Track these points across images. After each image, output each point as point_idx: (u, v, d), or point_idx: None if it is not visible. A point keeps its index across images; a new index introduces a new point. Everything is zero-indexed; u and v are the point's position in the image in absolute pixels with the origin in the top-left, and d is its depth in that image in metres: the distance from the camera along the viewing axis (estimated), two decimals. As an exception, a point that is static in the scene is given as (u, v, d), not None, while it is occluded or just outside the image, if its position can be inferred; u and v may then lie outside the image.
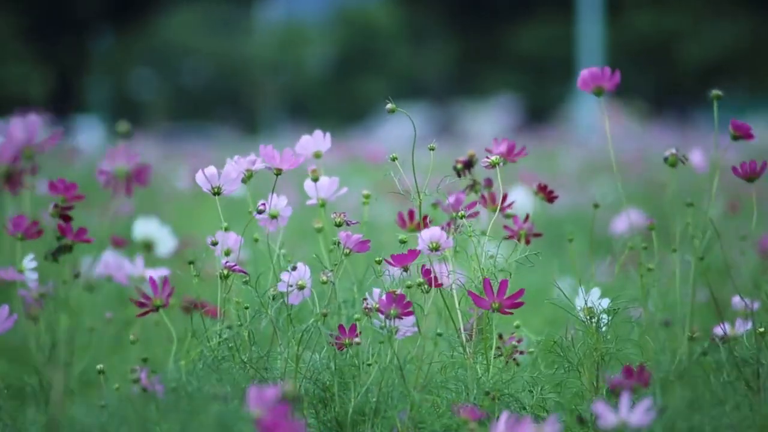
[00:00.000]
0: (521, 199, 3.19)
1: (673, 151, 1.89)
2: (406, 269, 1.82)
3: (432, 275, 1.82)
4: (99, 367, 1.84)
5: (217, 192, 1.86)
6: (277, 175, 1.88)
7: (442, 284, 1.84)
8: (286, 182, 1.93)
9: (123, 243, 2.81)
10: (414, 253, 1.82)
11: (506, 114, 19.19)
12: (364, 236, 1.87)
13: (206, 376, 1.63)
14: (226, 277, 1.80)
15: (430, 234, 1.83)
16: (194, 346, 1.76)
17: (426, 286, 1.81)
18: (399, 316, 1.77)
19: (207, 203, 5.87)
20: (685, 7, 25.98)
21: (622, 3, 25.17)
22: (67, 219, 1.87)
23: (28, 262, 1.92)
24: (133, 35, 27.57)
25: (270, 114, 26.07)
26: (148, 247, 2.75)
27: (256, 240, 1.92)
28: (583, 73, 1.94)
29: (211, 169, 1.85)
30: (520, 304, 1.78)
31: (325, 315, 1.80)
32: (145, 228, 2.77)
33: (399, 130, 14.95)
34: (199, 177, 1.85)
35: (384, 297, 1.78)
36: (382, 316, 1.78)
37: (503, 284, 1.78)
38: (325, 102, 26.96)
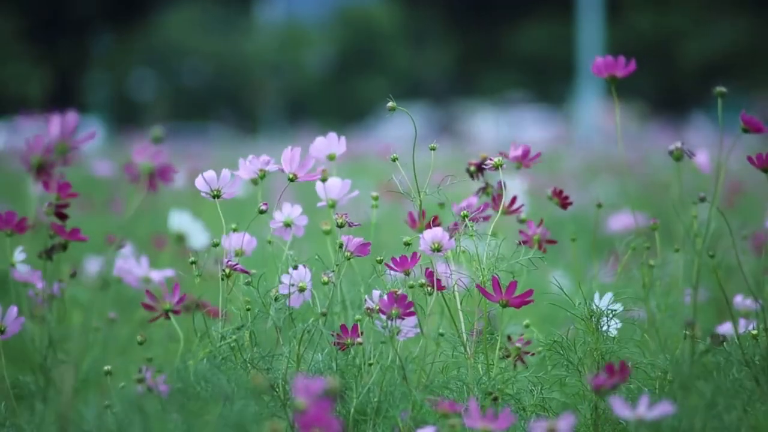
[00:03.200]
0: (516, 189, 3.18)
1: (679, 144, 1.89)
2: (407, 273, 1.81)
3: (435, 277, 1.81)
4: (106, 368, 1.83)
5: (216, 195, 1.86)
6: (291, 180, 1.87)
7: (444, 287, 1.83)
8: (285, 181, 1.92)
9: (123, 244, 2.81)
10: (415, 258, 1.81)
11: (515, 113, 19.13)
12: (366, 236, 1.86)
13: (214, 376, 1.63)
14: (229, 276, 1.79)
15: (432, 235, 1.82)
16: (199, 347, 1.76)
17: (429, 288, 1.80)
18: (400, 317, 1.77)
19: (206, 204, 5.86)
20: (685, 7, 25.98)
21: (622, 3, 25.17)
22: (62, 217, 1.88)
23: (18, 254, 1.92)
24: (132, 35, 27.57)
25: (270, 114, 26.07)
26: (181, 239, 2.76)
27: (270, 242, 1.91)
28: (598, 59, 1.96)
29: (210, 173, 1.85)
30: (529, 302, 1.78)
31: (324, 314, 1.80)
32: (179, 221, 2.79)
33: (399, 130, 14.94)
34: (199, 181, 1.85)
35: (385, 297, 1.77)
36: (383, 317, 1.78)
37: (512, 284, 1.78)
38: (325, 102, 26.96)
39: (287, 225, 1.89)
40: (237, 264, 1.81)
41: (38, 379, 1.80)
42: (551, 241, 2.01)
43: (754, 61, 25.15)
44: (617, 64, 1.95)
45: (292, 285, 1.81)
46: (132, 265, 2.43)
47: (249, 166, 1.88)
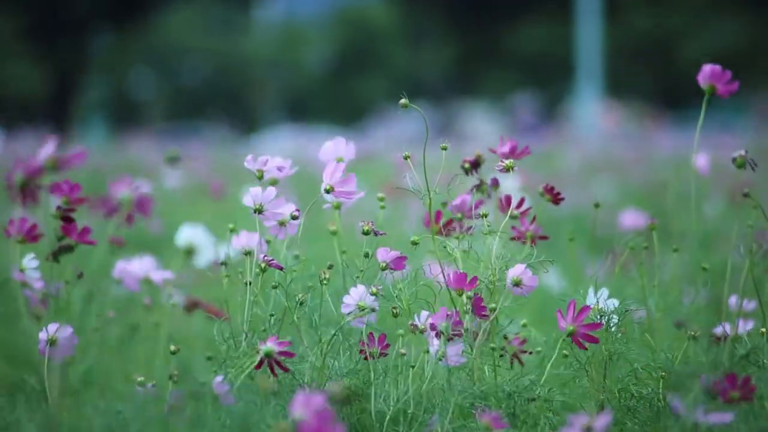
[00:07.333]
0: (510, 186, 3.17)
1: (742, 152, 1.89)
2: (460, 293, 1.80)
3: (482, 304, 1.81)
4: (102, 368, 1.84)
5: (258, 210, 1.85)
6: (327, 192, 1.87)
7: (487, 315, 1.82)
8: (286, 183, 1.92)
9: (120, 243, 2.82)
10: (474, 280, 1.80)
11: (521, 114, 19.06)
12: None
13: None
14: (264, 271, 1.80)
15: (515, 270, 1.81)
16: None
17: (472, 313, 1.80)
18: (450, 338, 1.75)
19: (201, 204, 5.88)
20: (684, 7, 25.98)
21: (621, 3, 25.17)
22: (69, 220, 1.88)
23: (29, 261, 1.92)
24: (132, 35, 27.56)
25: (269, 113, 26.05)
26: (189, 253, 2.68)
27: (269, 241, 1.92)
28: (705, 67, 1.95)
29: (256, 190, 1.85)
30: (594, 340, 1.78)
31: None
32: (189, 234, 2.71)
33: (399, 130, 14.94)
34: (247, 199, 1.85)
35: (438, 314, 1.76)
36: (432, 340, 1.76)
37: (584, 308, 1.77)
38: (324, 101, 26.94)
39: (281, 224, 1.89)
40: (273, 259, 1.82)
41: (41, 380, 1.81)
42: (543, 237, 2.01)
43: (754, 61, 25.13)
44: (723, 76, 1.95)
45: (352, 305, 1.81)
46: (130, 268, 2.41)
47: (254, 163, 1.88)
